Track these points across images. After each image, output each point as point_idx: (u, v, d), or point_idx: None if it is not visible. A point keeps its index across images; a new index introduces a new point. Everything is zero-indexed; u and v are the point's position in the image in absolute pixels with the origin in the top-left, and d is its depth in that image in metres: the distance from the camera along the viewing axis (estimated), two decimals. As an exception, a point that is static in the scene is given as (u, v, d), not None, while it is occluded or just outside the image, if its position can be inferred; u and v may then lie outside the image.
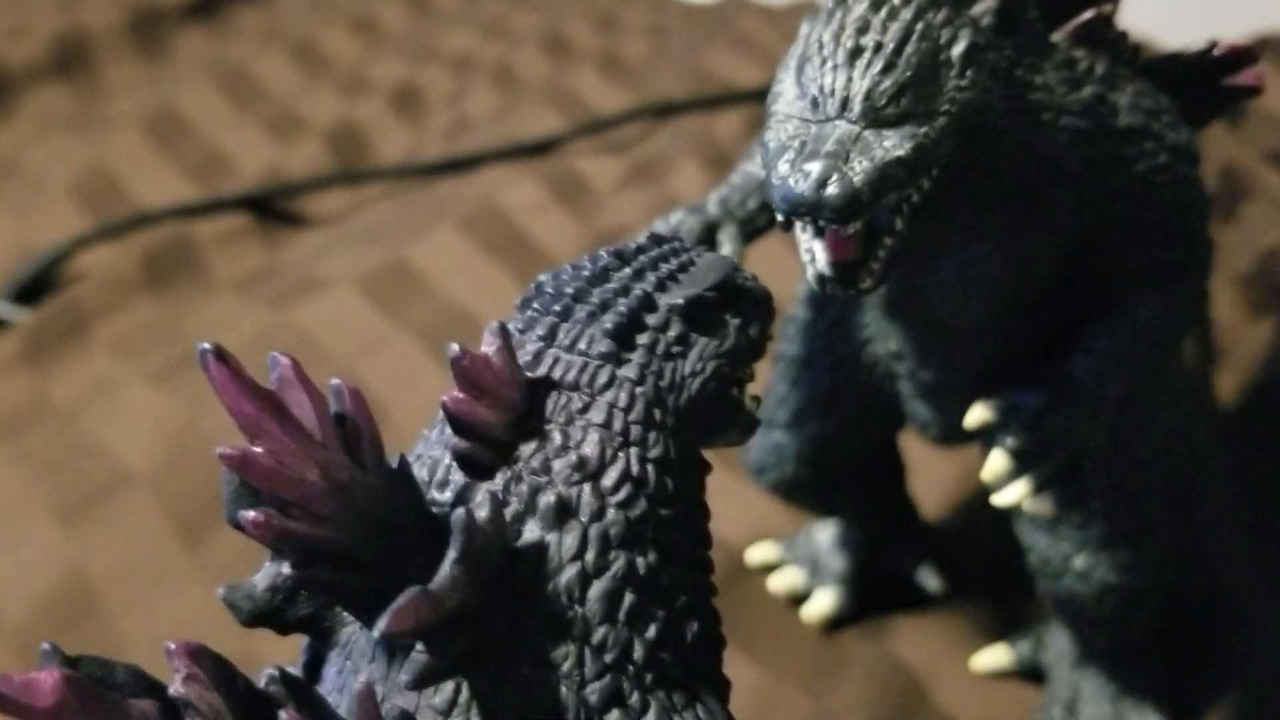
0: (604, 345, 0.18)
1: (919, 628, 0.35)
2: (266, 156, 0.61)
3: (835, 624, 0.35)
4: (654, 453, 0.18)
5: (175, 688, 0.16)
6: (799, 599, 0.36)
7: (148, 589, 0.36)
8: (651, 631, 0.18)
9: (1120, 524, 0.28)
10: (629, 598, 0.17)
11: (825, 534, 0.36)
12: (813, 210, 0.20)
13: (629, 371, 0.18)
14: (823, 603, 0.35)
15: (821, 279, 0.22)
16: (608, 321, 0.18)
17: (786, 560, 0.36)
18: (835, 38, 0.21)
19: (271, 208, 0.56)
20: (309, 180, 0.57)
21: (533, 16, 0.77)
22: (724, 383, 0.19)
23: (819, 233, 0.21)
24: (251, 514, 0.16)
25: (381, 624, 0.15)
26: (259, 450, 0.16)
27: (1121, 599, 0.29)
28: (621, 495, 0.18)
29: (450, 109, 0.66)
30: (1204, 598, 0.34)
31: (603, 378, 0.18)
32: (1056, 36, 0.24)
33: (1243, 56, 0.26)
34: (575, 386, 0.18)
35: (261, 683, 0.17)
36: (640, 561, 0.18)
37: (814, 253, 0.22)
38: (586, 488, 0.18)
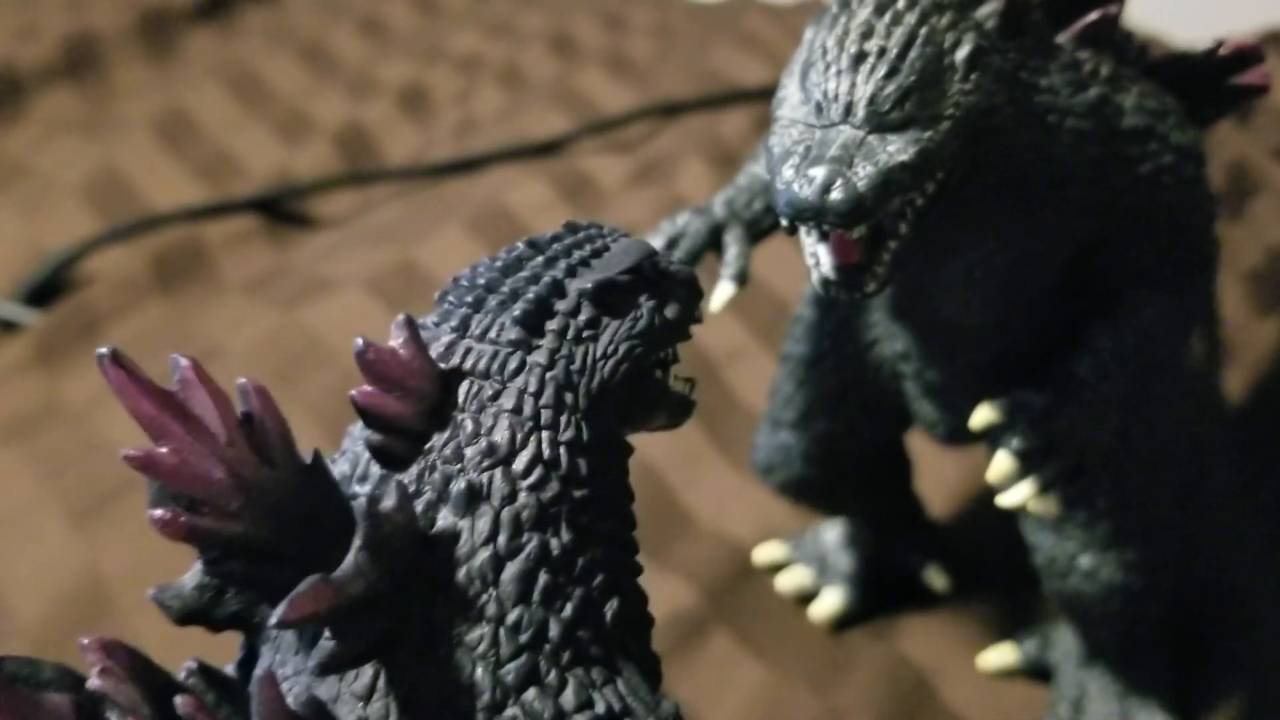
0: (513, 332, 0.19)
1: (926, 627, 0.35)
2: (275, 158, 0.61)
3: (842, 623, 0.35)
4: (565, 435, 0.18)
5: (91, 681, 0.16)
6: (806, 598, 0.36)
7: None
8: (567, 610, 0.18)
9: (1126, 523, 0.28)
10: (543, 578, 0.18)
11: (832, 533, 0.36)
12: (817, 215, 0.20)
13: (539, 357, 0.19)
14: (830, 602, 0.35)
15: (826, 283, 0.22)
16: (517, 309, 0.19)
17: (794, 559, 0.36)
18: (839, 43, 0.21)
19: (280, 209, 0.56)
20: (317, 181, 0.57)
21: (540, 16, 0.77)
22: (637, 364, 0.19)
23: (823, 237, 0.21)
24: (158, 512, 0.16)
25: (279, 611, 0.16)
26: (163, 450, 0.16)
27: (1128, 597, 0.29)
28: (532, 478, 0.18)
29: (457, 109, 0.66)
30: (1211, 595, 0.34)
31: (513, 364, 0.18)
32: (1061, 38, 0.24)
33: (1250, 55, 0.26)
34: (486, 375, 0.18)
35: (181, 675, 0.17)
36: (554, 542, 0.18)
37: (818, 257, 0.22)
38: (498, 472, 0.18)
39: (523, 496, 0.18)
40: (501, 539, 0.18)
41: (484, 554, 0.18)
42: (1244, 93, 0.26)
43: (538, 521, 0.18)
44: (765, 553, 0.37)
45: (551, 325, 0.19)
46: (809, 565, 0.36)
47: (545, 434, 0.18)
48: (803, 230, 0.22)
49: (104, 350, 0.16)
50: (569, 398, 0.19)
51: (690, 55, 0.69)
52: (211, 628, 0.18)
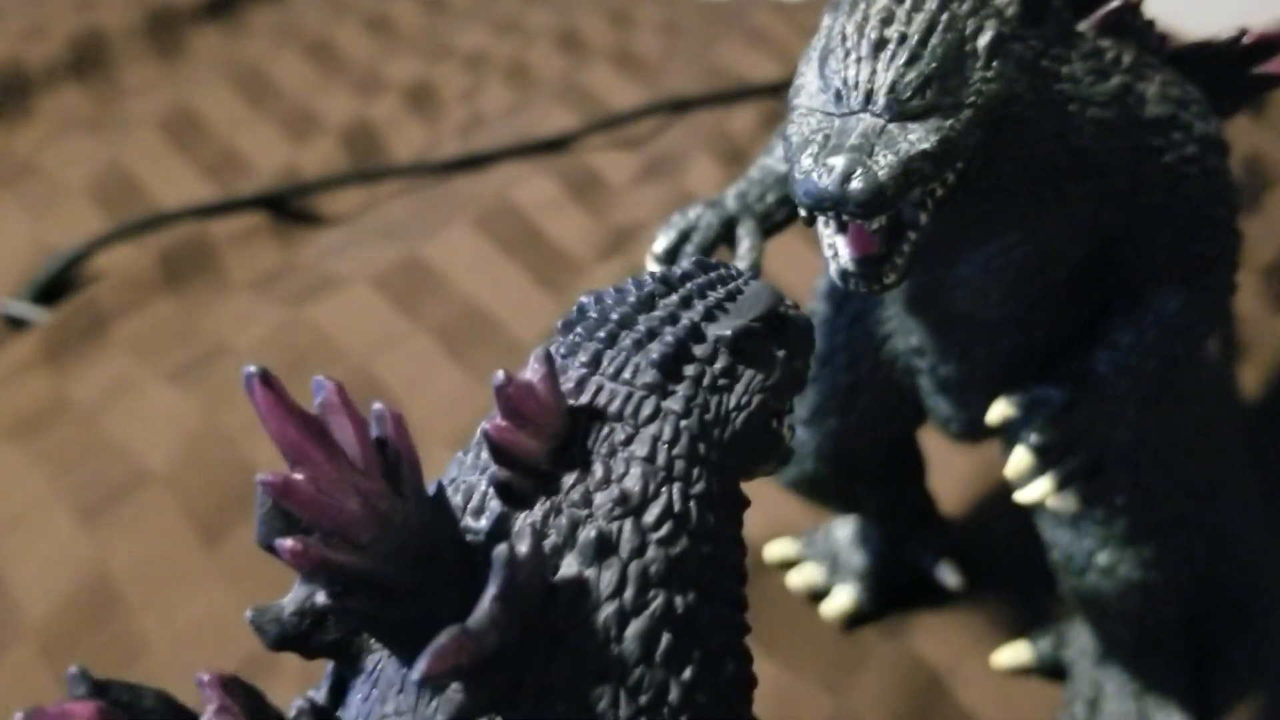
0: (650, 376, 0.18)
1: (939, 625, 0.35)
2: (282, 155, 0.61)
3: (855, 621, 0.35)
4: (697, 488, 0.18)
5: (206, 718, 0.16)
6: (818, 596, 0.35)
7: (168, 587, 0.36)
8: (688, 673, 0.17)
9: (1144, 520, 0.28)
10: (666, 638, 0.17)
11: (844, 530, 0.36)
12: (837, 205, 0.20)
13: (674, 404, 0.18)
14: (842, 600, 0.35)
15: (845, 274, 0.22)
16: (654, 351, 0.18)
17: (806, 557, 0.36)
18: (859, 29, 0.21)
19: (287, 207, 0.56)
20: (324, 179, 0.57)
21: (546, 13, 0.77)
22: (768, 416, 0.19)
23: (842, 228, 0.21)
24: (289, 543, 0.15)
25: (421, 665, 0.15)
26: (300, 477, 0.15)
27: (1145, 595, 0.28)
28: (663, 532, 0.17)
29: (464, 106, 0.66)
30: (1228, 593, 0.33)
31: (647, 409, 0.18)
32: (1083, 26, 0.23)
33: (1272, 44, 0.26)
34: (619, 417, 0.18)
35: (291, 714, 0.17)
36: (679, 600, 0.17)
37: (837, 248, 0.21)
38: (628, 523, 0.17)
39: (652, 550, 0.17)
40: (628, 594, 0.17)
41: (609, 608, 0.17)
42: (1266, 82, 0.26)
43: (665, 577, 0.17)
44: (776, 550, 0.36)
45: (688, 371, 0.18)
46: (820, 563, 0.36)
47: (677, 485, 0.17)
48: (821, 221, 0.21)
49: (253, 370, 0.15)
50: (702, 449, 0.18)
51: (698, 51, 0.69)
52: (305, 655, 0.17)
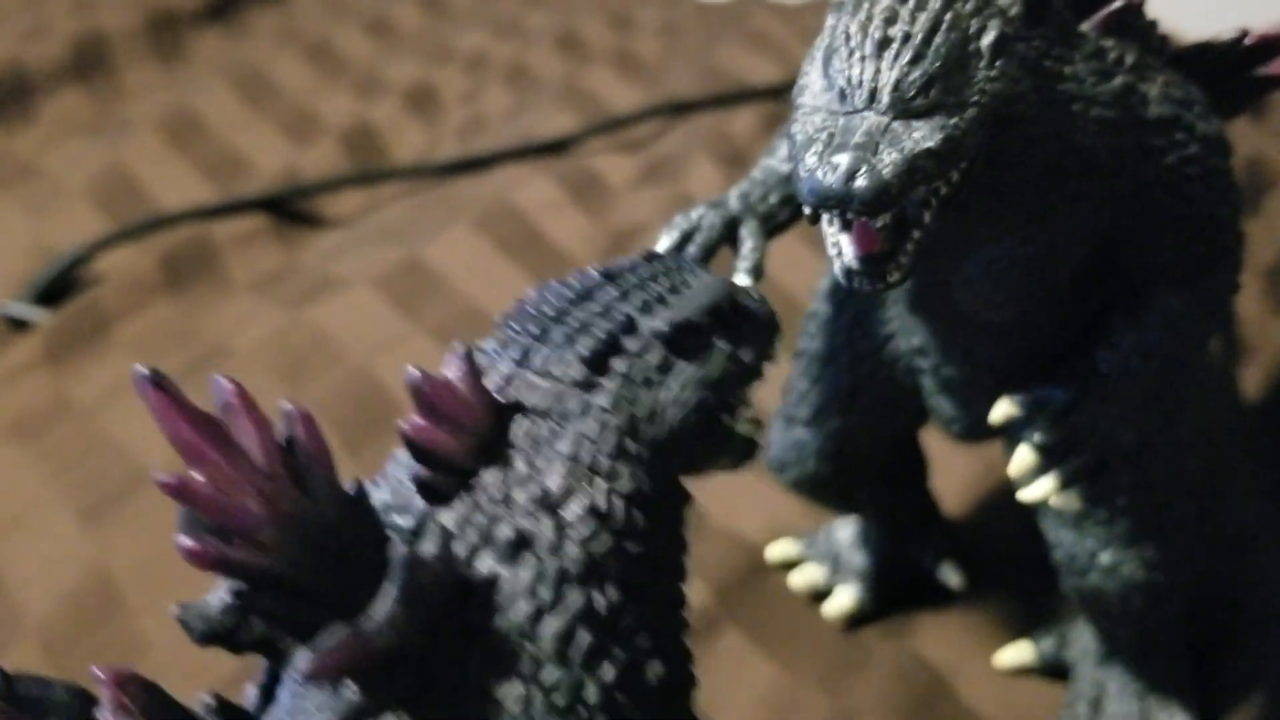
0: (577, 371, 0.17)
1: (941, 625, 0.35)
2: (283, 157, 0.61)
3: (856, 621, 0.35)
4: (623, 486, 0.17)
5: (103, 715, 0.15)
6: (819, 596, 0.35)
7: (168, 587, 0.36)
8: (608, 673, 0.17)
9: (1147, 519, 0.28)
10: (585, 637, 0.17)
11: (846, 531, 0.36)
12: (841, 203, 0.19)
13: (601, 399, 0.17)
14: (843, 600, 0.35)
15: (849, 273, 0.22)
16: (582, 346, 0.18)
17: (807, 557, 0.36)
18: (863, 28, 0.21)
19: (288, 208, 0.56)
20: (325, 181, 0.57)
21: (547, 15, 0.77)
22: (707, 412, 0.18)
23: (846, 226, 0.21)
24: (187, 541, 0.15)
25: (303, 664, 0.15)
26: (198, 477, 0.15)
27: (1148, 595, 0.28)
28: (584, 530, 0.17)
29: (465, 108, 0.66)
30: (1230, 593, 0.33)
31: (574, 405, 0.17)
32: (1086, 26, 0.23)
33: (1273, 46, 0.26)
34: (545, 413, 0.17)
35: (197, 709, 0.16)
36: (599, 599, 0.17)
37: (841, 246, 0.21)
38: (546, 520, 0.17)
39: (570, 548, 0.17)
40: (544, 592, 0.17)
41: (524, 606, 0.17)
42: (1268, 83, 0.26)
43: (584, 576, 0.17)
44: (778, 550, 0.36)
45: (618, 365, 0.18)
46: (822, 563, 0.36)
47: (601, 483, 0.17)
48: (825, 220, 0.21)
49: (144, 371, 0.15)
50: (630, 445, 0.17)
51: (698, 54, 0.69)
52: (234, 650, 0.17)
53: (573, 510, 0.17)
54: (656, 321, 0.18)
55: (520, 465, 0.17)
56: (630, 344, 0.18)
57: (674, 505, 0.18)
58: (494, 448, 0.17)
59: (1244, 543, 0.33)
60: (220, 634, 0.17)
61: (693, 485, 0.40)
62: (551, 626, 0.17)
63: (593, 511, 0.17)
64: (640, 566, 0.17)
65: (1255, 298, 0.46)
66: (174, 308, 0.50)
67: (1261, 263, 0.47)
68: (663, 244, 0.27)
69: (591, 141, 0.60)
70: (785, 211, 0.28)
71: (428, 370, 0.17)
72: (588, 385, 0.18)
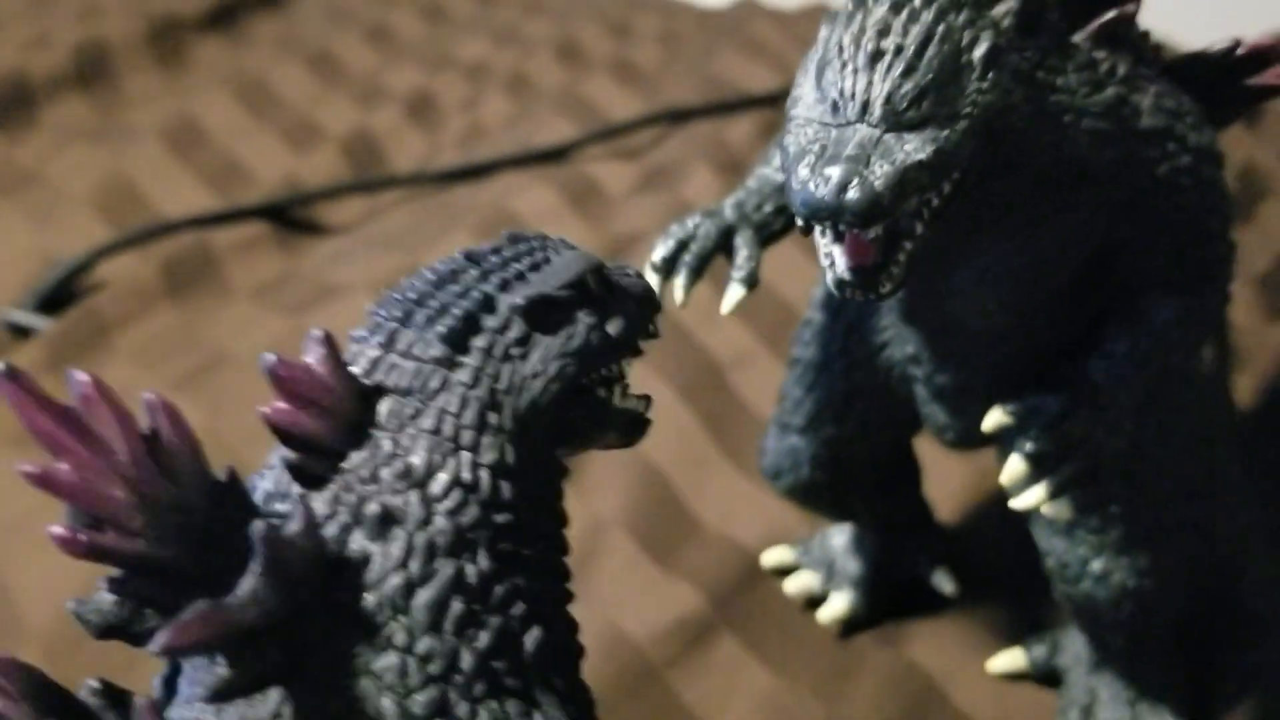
0: (437, 349, 0.18)
1: (934, 631, 0.35)
2: (283, 165, 0.61)
3: (850, 627, 0.35)
4: (488, 458, 0.18)
5: None
6: (814, 602, 0.36)
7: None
8: (482, 640, 0.17)
9: (1139, 527, 0.28)
10: (456, 606, 0.17)
11: (840, 537, 0.36)
12: (833, 215, 0.20)
13: (462, 375, 0.18)
14: (838, 606, 0.35)
15: (841, 283, 0.22)
16: (441, 325, 0.18)
17: (802, 564, 0.36)
18: (855, 41, 0.21)
19: (289, 216, 0.56)
20: (325, 188, 0.57)
21: (546, 24, 0.78)
22: (570, 383, 0.18)
23: (839, 237, 0.21)
24: (56, 529, 0.16)
25: (160, 638, 0.15)
26: (61, 467, 0.15)
27: (1140, 602, 0.28)
28: (450, 502, 0.17)
29: (465, 116, 0.66)
30: (1222, 601, 0.34)
31: (435, 382, 0.18)
32: (1078, 37, 0.24)
33: (1266, 55, 0.26)
34: (408, 392, 0.18)
35: (81, 694, 0.17)
36: (470, 569, 0.17)
37: (833, 257, 0.22)
38: (413, 495, 0.17)
39: (438, 521, 0.17)
40: (413, 565, 0.17)
41: (395, 580, 0.17)
42: (1261, 93, 0.26)
43: (453, 547, 0.17)
44: (773, 557, 0.37)
45: (477, 342, 0.18)
46: (817, 569, 0.36)
47: (465, 455, 0.18)
48: (818, 231, 0.21)
49: (0, 366, 0.16)
50: (493, 418, 0.18)
51: (696, 62, 0.70)
52: (132, 642, 0.17)
53: (438, 483, 0.17)
54: (514, 297, 0.18)
55: (386, 444, 0.18)
56: (489, 321, 0.18)
57: (547, 478, 0.19)
58: (360, 429, 0.18)
59: (1236, 549, 0.33)
60: (116, 626, 0.17)
61: (689, 492, 0.40)
62: (423, 597, 0.17)
63: (457, 483, 0.17)
64: (511, 536, 0.18)
65: (1248, 305, 0.46)
66: (175, 315, 0.50)
67: (1255, 270, 0.48)
68: (658, 254, 0.27)
69: (590, 149, 0.60)
70: (780, 220, 0.28)
71: (285, 355, 0.17)
72: (449, 363, 0.18)
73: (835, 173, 0.20)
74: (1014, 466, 0.26)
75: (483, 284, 0.19)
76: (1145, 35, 0.25)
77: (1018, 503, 0.27)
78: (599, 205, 0.56)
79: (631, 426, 0.20)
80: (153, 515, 0.16)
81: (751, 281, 0.27)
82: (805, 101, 0.21)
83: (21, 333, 0.49)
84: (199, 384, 0.45)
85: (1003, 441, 0.27)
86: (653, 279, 0.26)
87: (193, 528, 0.16)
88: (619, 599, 0.35)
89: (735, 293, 0.27)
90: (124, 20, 0.73)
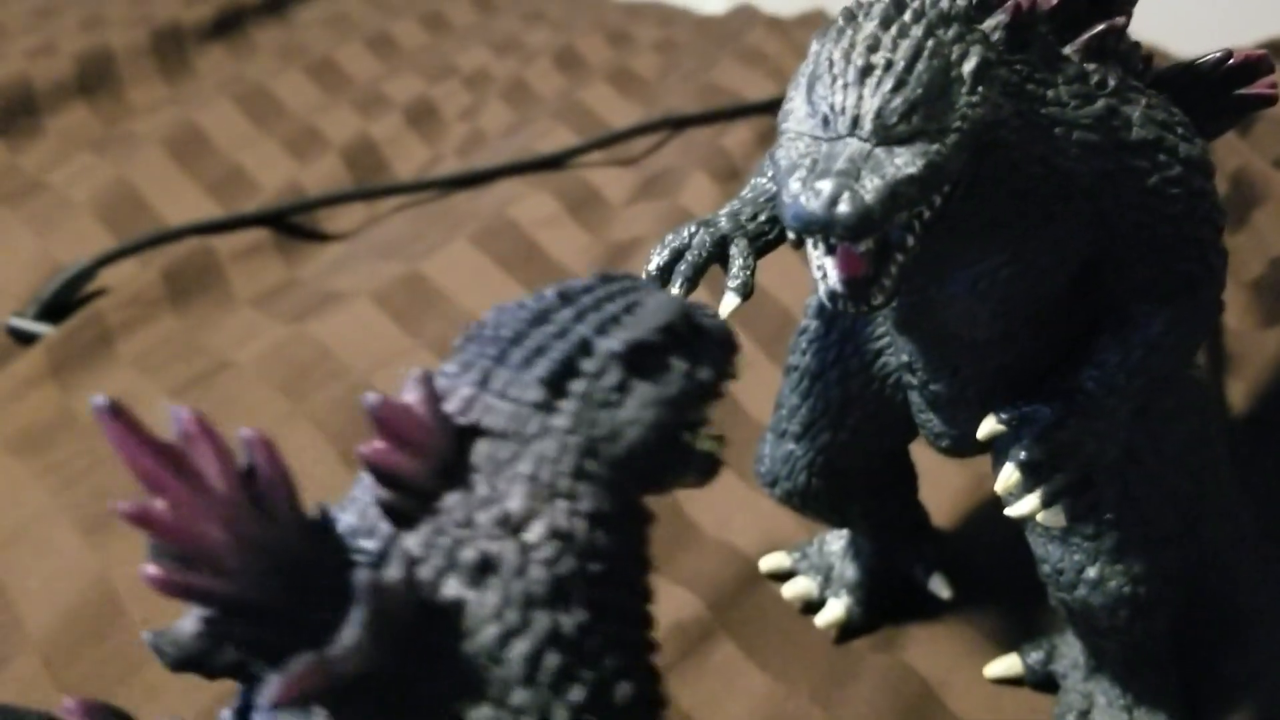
0: (535, 393, 0.18)
1: (931, 637, 0.35)
2: (285, 173, 0.62)
3: (847, 632, 0.35)
4: (584, 506, 0.17)
5: None
6: (811, 608, 0.36)
7: (169, 602, 0.36)
8: (576, 694, 0.17)
9: (1133, 534, 0.28)
10: (552, 659, 0.17)
11: (838, 543, 0.36)
12: (825, 229, 0.20)
13: (560, 420, 0.18)
14: (834, 611, 0.35)
15: (833, 296, 0.22)
16: (540, 367, 0.18)
17: (799, 569, 0.36)
18: (845, 55, 0.21)
19: (290, 223, 0.57)
20: (326, 196, 0.57)
21: (546, 32, 0.78)
22: (665, 430, 0.18)
23: (830, 250, 0.22)
24: (150, 569, 0.15)
25: (270, 690, 0.15)
26: (159, 505, 0.15)
27: (1135, 609, 0.29)
28: (547, 551, 0.17)
29: (465, 124, 0.67)
30: (1217, 607, 0.34)
31: (533, 426, 0.17)
32: (1068, 50, 0.24)
33: (1258, 66, 0.26)
34: (505, 435, 0.17)
35: None
36: (566, 620, 0.17)
37: (825, 270, 0.22)
38: (510, 543, 0.17)
39: (535, 570, 0.17)
40: (511, 615, 0.17)
41: (491, 630, 0.17)
42: (1251, 104, 0.26)
43: (549, 598, 0.17)
44: (770, 562, 0.37)
45: (576, 387, 0.18)
46: (814, 575, 0.36)
47: (562, 503, 0.17)
48: (809, 243, 0.22)
49: (101, 401, 0.15)
50: (590, 465, 0.17)
51: (694, 69, 0.70)
52: (208, 676, 0.17)
53: (535, 532, 0.17)
54: (612, 342, 0.18)
55: (482, 487, 0.17)
56: (587, 365, 0.18)
57: (636, 525, 0.18)
58: (455, 470, 0.17)
59: (1230, 554, 0.33)
60: (193, 660, 0.17)
61: (687, 497, 0.40)
62: (519, 649, 0.17)
63: (555, 532, 0.17)
64: (605, 586, 0.17)
65: (1242, 310, 0.46)
66: (177, 322, 0.50)
67: (1248, 275, 0.48)
68: (653, 263, 0.27)
69: (589, 156, 0.60)
70: (775, 230, 0.28)
71: (387, 395, 0.17)
72: (546, 407, 0.18)
73: (826, 187, 0.20)
74: (1008, 475, 0.26)
75: (579, 325, 0.18)
76: (1136, 46, 0.25)
77: (1012, 511, 0.27)
78: (598, 212, 0.56)
79: (708, 468, 0.20)
80: (249, 555, 0.16)
81: (746, 291, 0.27)
82: (796, 115, 0.22)
83: (24, 339, 0.49)
84: (200, 391, 0.45)
85: (997, 450, 0.28)
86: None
87: (287, 567, 0.16)
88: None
89: (730, 302, 0.27)
90: (127, 29, 0.74)
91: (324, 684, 0.15)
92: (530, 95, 0.69)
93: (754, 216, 0.28)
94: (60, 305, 0.50)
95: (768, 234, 0.28)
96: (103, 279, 0.52)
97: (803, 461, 0.32)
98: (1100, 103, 0.24)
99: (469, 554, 0.17)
